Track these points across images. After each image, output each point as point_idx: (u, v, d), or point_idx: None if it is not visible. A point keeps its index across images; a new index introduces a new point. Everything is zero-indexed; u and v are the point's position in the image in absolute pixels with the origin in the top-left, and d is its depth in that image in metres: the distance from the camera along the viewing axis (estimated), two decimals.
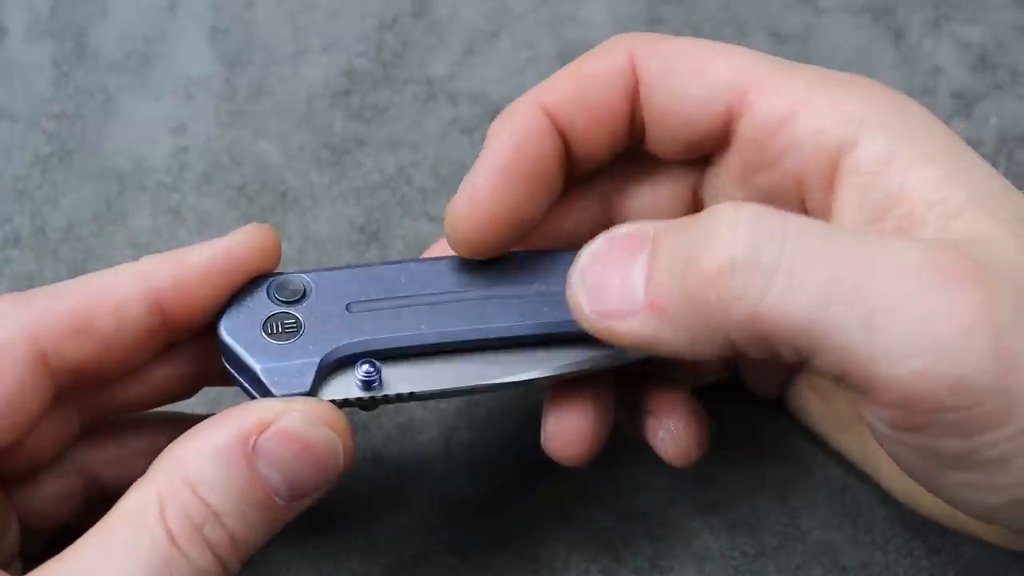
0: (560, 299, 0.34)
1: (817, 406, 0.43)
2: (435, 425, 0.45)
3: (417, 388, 0.35)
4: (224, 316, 0.36)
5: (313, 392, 0.34)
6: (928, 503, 0.39)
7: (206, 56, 0.52)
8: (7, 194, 0.49)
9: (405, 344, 0.36)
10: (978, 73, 0.52)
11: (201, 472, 0.32)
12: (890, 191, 0.33)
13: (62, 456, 0.37)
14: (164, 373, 0.38)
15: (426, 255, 0.41)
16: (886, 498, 0.42)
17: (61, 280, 0.44)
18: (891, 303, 0.29)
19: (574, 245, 0.39)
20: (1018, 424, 0.29)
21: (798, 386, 0.43)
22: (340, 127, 0.51)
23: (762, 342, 0.30)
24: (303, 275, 0.37)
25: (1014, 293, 0.29)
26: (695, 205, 0.39)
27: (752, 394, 0.44)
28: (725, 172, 0.37)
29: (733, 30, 0.53)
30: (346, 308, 0.36)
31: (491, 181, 0.36)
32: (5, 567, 0.35)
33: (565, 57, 0.52)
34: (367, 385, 0.35)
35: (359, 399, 0.35)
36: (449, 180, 0.50)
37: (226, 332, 0.35)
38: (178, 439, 0.33)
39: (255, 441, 0.32)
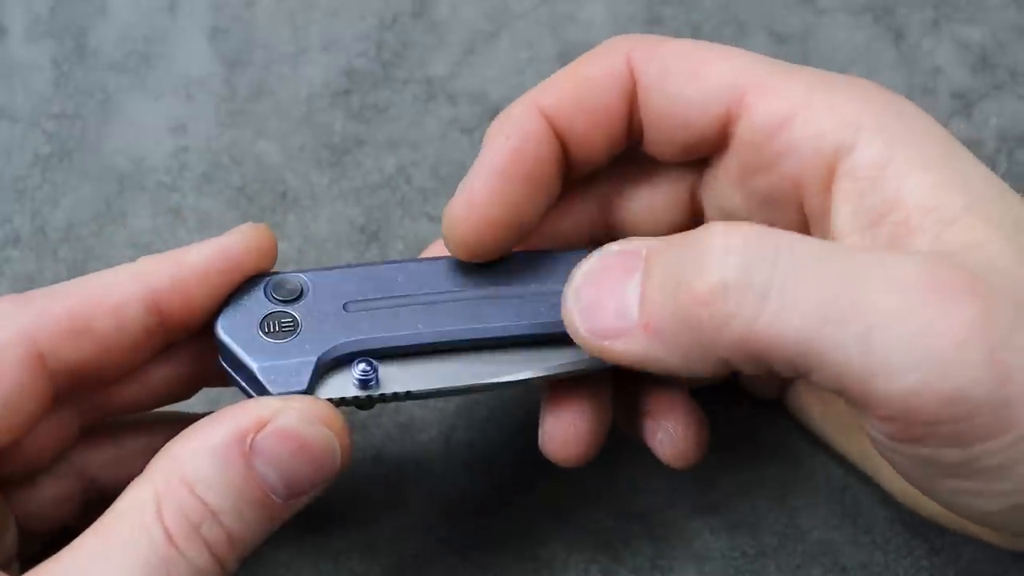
0: (557, 299, 0.34)
1: (816, 407, 0.43)
2: (434, 424, 0.45)
3: (414, 387, 0.35)
4: (221, 315, 0.36)
5: (310, 391, 0.34)
6: (928, 503, 0.38)
7: (206, 56, 0.52)
8: (7, 194, 0.49)
9: (402, 343, 0.36)
10: (978, 73, 0.52)
11: (198, 471, 0.32)
12: (887, 196, 0.33)
13: (60, 458, 0.37)
14: (162, 374, 0.38)
15: (424, 255, 0.41)
16: (886, 498, 0.42)
17: (61, 280, 0.44)
18: (886, 319, 0.29)
19: (572, 246, 0.39)
20: (1018, 432, 0.29)
21: (797, 388, 0.43)
22: (340, 127, 0.51)
23: (757, 360, 0.30)
24: (300, 274, 0.37)
25: (1010, 304, 0.29)
26: (693, 207, 0.39)
27: (751, 395, 0.44)
28: (723, 174, 0.37)
29: (733, 30, 0.53)
30: (343, 307, 0.36)
31: (488, 184, 0.36)
32: (3, 569, 0.35)
33: (565, 57, 0.52)
34: (364, 384, 0.35)
35: (356, 398, 0.35)
36: (449, 180, 0.50)
37: (223, 331, 0.35)
38: (175, 438, 0.33)
39: (252, 439, 0.32)
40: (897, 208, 0.32)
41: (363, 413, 0.45)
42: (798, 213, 0.36)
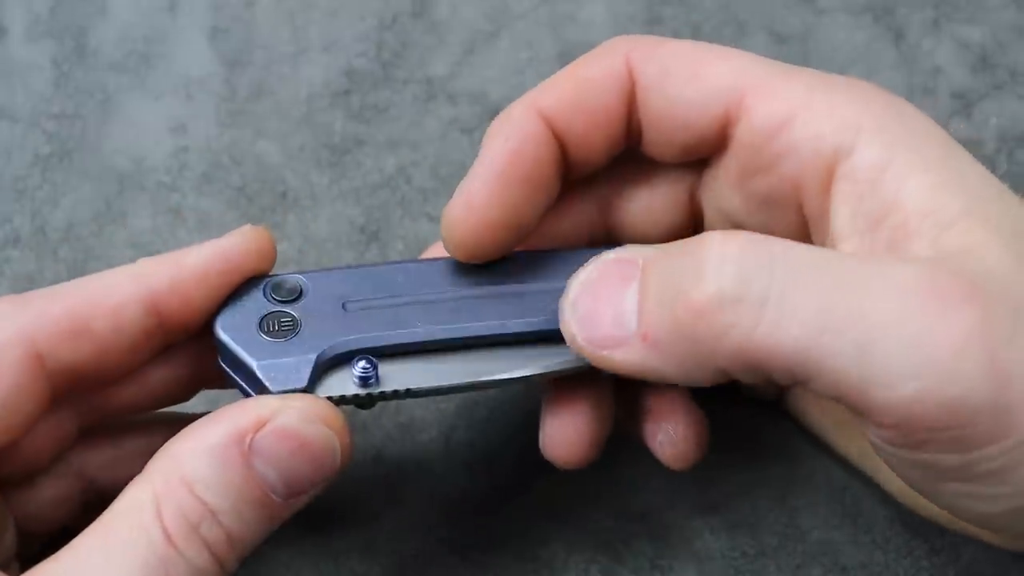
0: (556, 297, 0.34)
1: (816, 408, 0.43)
2: (435, 424, 0.45)
3: (414, 385, 0.35)
4: (220, 315, 0.36)
5: (310, 388, 0.34)
6: (928, 504, 0.38)
7: (206, 56, 0.52)
8: (7, 194, 0.49)
9: (402, 341, 0.36)
10: (978, 73, 0.52)
11: (197, 470, 0.32)
12: (885, 199, 0.32)
13: (59, 459, 0.37)
14: (161, 375, 0.38)
15: (424, 257, 0.41)
16: (886, 498, 0.42)
17: (61, 280, 0.44)
18: (884, 327, 0.29)
19: (571, 247, 0.39)
20: (1019, 436, 0.29)
21: (796, 389, 0.43)
22: (340, 127, 0.51)
23: (755, 370, 0.30)
24: (299, 275, 0.37)
25: (1008, 310, 0.29)
26: (692, 208, 0.39)
27: (751, 395, 0.44)
28: (722, 175, 0.37)
29: (733, 30, 0.53)
30: (342, 307, 0.36)
31: (487, 186, 0.36)
32: (3, 569, 0.34)
33: (565, 57, 0.52)
34: (364, 381, 0.35)
35: (356, 396, 0.35)
36: (449, 180, 0.50)
37: (222, 330, 0.35)
38: (174, 437, 0.33)
39: (251, 439, 0.32)
40: (895, 211, 0.32)
41: (363, 413, 0.45)
42: (797, 215, 0.36)
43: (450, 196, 0.37)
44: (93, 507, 0.36)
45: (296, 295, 0.36)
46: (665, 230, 0.39)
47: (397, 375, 0.35)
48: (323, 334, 0.35)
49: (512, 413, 0.45)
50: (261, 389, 0.34)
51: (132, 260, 0.36)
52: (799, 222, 0.36)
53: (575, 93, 0.37)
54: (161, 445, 0.33)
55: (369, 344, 0.35)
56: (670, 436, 0.38)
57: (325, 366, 0.35)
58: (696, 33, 0.53)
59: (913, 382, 0.29)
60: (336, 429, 0.33)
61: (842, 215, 0.33)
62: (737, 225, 0.38)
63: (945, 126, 0.35)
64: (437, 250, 0.40)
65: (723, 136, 0.36)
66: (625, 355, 0.32)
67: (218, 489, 0.32)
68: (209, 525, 0.31)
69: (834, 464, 0.44)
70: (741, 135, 0.36)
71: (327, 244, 0.48)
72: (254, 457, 0.32)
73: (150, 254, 0.44)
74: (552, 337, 0.35)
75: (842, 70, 0.52)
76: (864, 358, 0.29)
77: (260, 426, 0.32)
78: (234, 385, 0.36)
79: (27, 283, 0.47)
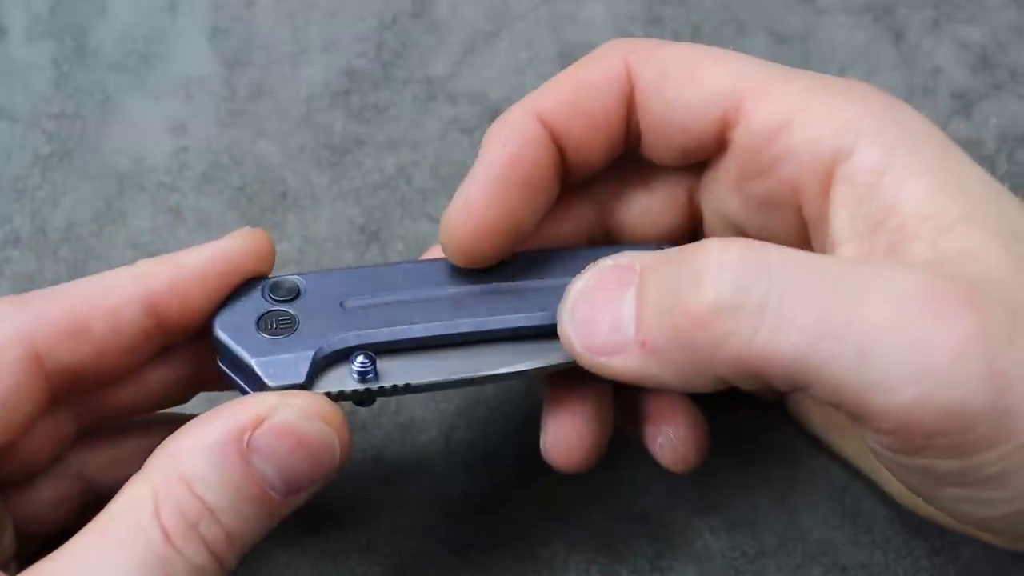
0: (555, 293, 0.34)
1: (816, 409, 0.43)
2: (435, 424, 0.45)
3: (413, 380, 0.35)
4: (218, 315, 0.36)
5: (308, 385, 0.34)
6: (927, 504, 0.39)
7: (206, 56, 0.52)
8: (7, 194, 0.49)
9: (400, 337, 0.36)
10: (978, 73, 0.52)
11: (196, 468, 0.32)
12: (884, 202, 0.32)
13: (58, 460, 0.37)
14: (160, 376, 0.38)
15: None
16: (886, 498, 0.42)
17: (61, 280, 0.44)
18: (883, 333, 0.29)
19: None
20: (1018, 441, 0.29)
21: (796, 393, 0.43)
22: (340, 127, 0.51)
23: (754, 377, 0.30)
24: (297, 276, 0.37)
25: (1007, 314, 0.29)
26: (691, 210, 0.39)
27: (751, 396, 0.44)
28: (721, 178, 0.37)
29: (733, 30, 0.53)
30: (340, 305, 0.36)
31: (486, 190, 0.36)
32: (2, 569, 0.34)
33: (565, 57, 0.52)
34: (363, 376, 0.35)
35: (355, 391, 0.35)
36: (449, 180, 0.50)
37: (220, 328, 0.35)
38: (173, 435, 0.33)
39: (250, 436, 0.32)
40: (894, 214, 0.32)
41: (363, 413, 0.45)
42: (796, 217, 0.36)
43: (450, 196, 0.37)
44: (92, 508, 0.36)
45: (294, 295, 0.36)
46: (664, 233, 0.39)
47: (396, 370, 0.35)
48: (321, 331, 0.35)
49: (512, 413, 0.45)
50: (259, 385, 0.34)
51: (132, 260, 0.36)
52: (798, 225, 0.36)
53: (574, 96, 0.37)
54: None
55: (367, 340, 0.35)
56: (670, 439, 0.38)
57: (324, 363, 0.35)
58: (696, 33, 0.53)
59: (912, 387, 0.28)
60: (335, 426, 0.33)
61: (841, 218, 0.33)
62: (736, 227, 0.38)
63: (945, 126, 0.35)
64: (437, 252, 0.40)
65: (722, 139, 0.36)
66: (623, 362, 0.32)
67: (217, 487, 0.32)
68: (208, 523, 0.31)
69: (834, 464, 0.44)
70: (740, 138, 0.36)
71: (327, 244, 0.48)
72: (253, 455, 0.32)
73: (150, 254, 0.44)
74: (551, 332, 0.35)
75: (842, 70, 0.52)
76: (863, 364, 0.29)
77: (259, 423, 0.32)
78: (233, 386, 0.36)
79: (27, 283, 0.47)
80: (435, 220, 0.49)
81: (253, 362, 0.35)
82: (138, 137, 0.51)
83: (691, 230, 0.40)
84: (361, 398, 0.35)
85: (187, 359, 0.38)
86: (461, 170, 0.48)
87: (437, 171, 0.50)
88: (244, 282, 0.36)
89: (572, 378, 0.37)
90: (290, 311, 0.36)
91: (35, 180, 0.50)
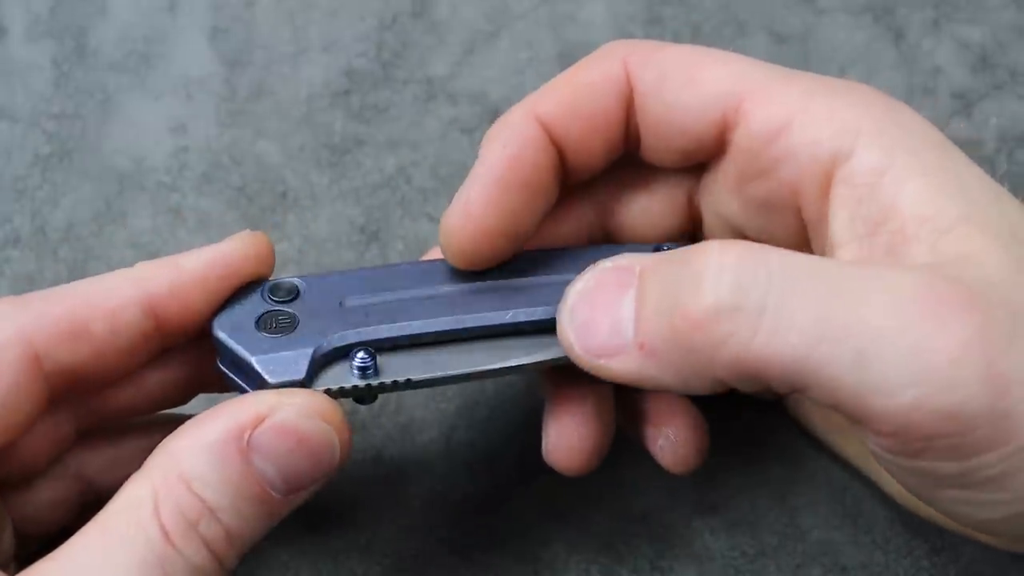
0: (554, 289, 0.35)
1: (816, 410, 0.43)
2: (435, 424, 0.45)
3: (413, 375, 0.35)
4: (218, 316, 0.36)
5: (308, 383, 0.34)
6: (927, 505, 0.39)
7: (206, 56, 0.52)
8: (7, 194, 0.49)
9: (400, 334, 0.36)
10: (978, 73, 0.52)
11: (195, 467, 0.32)
12: (883, 204, 0.32)
13: (57, 461, 0.37)
14: (159, 378, 0.38)
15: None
16: (887, 498, 0.42)
17: (61, 280, 0.44)
18: (883, 335, 0.29)
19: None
20: (1018, 443, 0.29)
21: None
22: (340, 127, 0.51)
23: (753, 379, 0.30)
24: (297, 278, 0.37)
25: (1007, 316, 0.29)
26: (690, 212, 0.39)
27: (751, 397, 0.44)
28: (721, 179, 0.37)
29: (733, 30, 0.53)
30: (340, 305, 0.36)
31: (485, 192, 0.36)
32: (1, 570, 0.35)
33: (565, 57, 0.52)
34: (363, 372, 0.35)
35: (355, 387, 0.35)
36: (449, 180, 0.50)
37: (219, 328, 0.35)
38: (172, 434, 0.32)
39: (250, 435, 0.32)
40: (893, 216, 0.32)
41: (363, 413, 0.45)
42: (796, 219, 0.36)
43: (450, 196, 0.37)
44: (91, 508, 0.36)
45: (294, 295, 0.36)
46: (664, 234, 0.39)
47: (396, 367, 0.35)
48: (321, 328, 0.35)
49: (513, 413, 0.45)
50: (259, 383, 0.34)
51: (132, 260, 0.36)
52: (798, 226, 0.36)
53: (573, 98, 0.37)
54: None
55: (367, 337, 0.35)
56: (670, 441, 0.38)
57: (323, 360, 0.35)
58: (696, 33, 0.53)
59: (911, 390, 0.28)
60: (335, 425, 0.33)
61: (840, 219, 0.33)
62: (736, 229, 0.38)
63: (945, 126, 0.34)
64: (437, 253, 0.40)
65: (721, 141, 0.36)
66: (622, 364, 0.32)
67: (216, 486, 0.32)
68: (208, 522, 0.31)
69: (834, 464, 0.44)
70: (739, 140, 0.36)
71: (327, 244, 0.48)
72: (253, 453, 0.32)
73: (150, 254, 0.44)
74: (551, 328, 0.35)
75: (842, 70, 0.52)
76: (862, 366, 0.29)
77: (258, 422, 0.32)
78: (233, 387, 0.36)
79: (27, 283, 0.47)
80: (435, 220, 0.49)
81: (253, 360, 0.35)
82: (138, 137, 0.51)
83: (690, 232, 0.40)
84: (361, 395, 0.35)
85: (186, 361, 0.38)
86: (461, 170, 0.48)
87: (437, 171, 0.50)
88: (244, 284, 0.36)
89: (573, 380, 0.37)
90: (290, 311, 0.36)
91: (35, 180, 0.49)
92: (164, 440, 0.32)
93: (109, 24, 0.53)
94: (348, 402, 0.36)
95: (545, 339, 0.36)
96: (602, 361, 0.32)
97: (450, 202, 0.36)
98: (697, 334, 0.30)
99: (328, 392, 0.34)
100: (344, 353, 0.35)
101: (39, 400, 0.34)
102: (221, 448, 0.32)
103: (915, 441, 0.29)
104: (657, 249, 0.38)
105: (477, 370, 0.36)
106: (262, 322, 0.35)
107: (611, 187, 0.39)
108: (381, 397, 0.37)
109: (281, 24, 0.53)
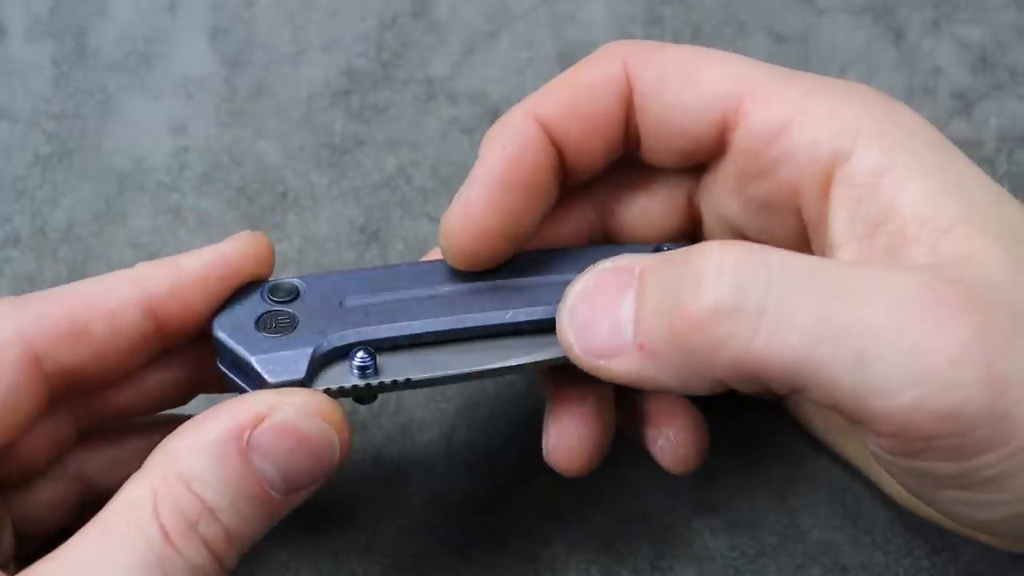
0: (554, 289, 0.35)
1: (816, 410, 0.43)
2: (435, 425, 0.45)
3: (413, 375, 0.35)
4: (217, 316, 0.36)
5: (308, 382, 0.34)
6: (927, 506, 0.39)
7: (206, 56, 0.52)
8: (7, 194, 0.49)
9: (400, 334, 0.36)
10: (978, 73, 0.52)
11: (195, 467, 0.31)
12: (883, 204, 0.32)
13: (57, 461, 0.37)
14: (159, 379, 0.38)
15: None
16: (887, 499, 0.42)
17: (61, 280, 0.44)
18: (882, 336, 0.29)
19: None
20: (1017, 443, 0.29)
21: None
22: (340, 127, 0.51)
23: (752, 380, 0.30)
24: (296, 279, 0.37)
25: (1006, 317, 0.29)
26: (690, 213, 0.39)
27: (751, 397, 0.44)
28: (721, 180, 0.37)
29: (733, 30, 0.53)
30: (340, 305, 0.36)
31: (485, 193, 0.36)
32: (1, 570, 0.35)
33: (565, 57, 0.52)
34: (363, 371, 0.35)
35: (355, 387, 0.35)
36: (449, 180, 0.50)
37: (219, 328, 0.35)
38: (172, 434, 0.32)
39: (250, 435, 0.32)
40: (893, 216, 0.32)
41: (363, 413, 0.45)
42: (796, 219, 0.36)
43: (450, 196, 0.37)
44: (91, 509, 0.36)
45: (293, 296, 0.36)
46: (664, 235, 0.39)
47: (396, 366, 0.35)
48: (321, 328, 0.35)
49: (513, 413, 0.45)
50: (259, 382, 0.34)
51: (132, 260, 0.36)
52: (798, 227, 0.36)
53: (573, 99, 0.37)
54: None
55: (367, 337, 0.35)
56: (671, 442, 0.38)
57: (323, 360, 0.35)
58: (696, 33, 0.53)
59: (911, 391, 0.28)
60: (335, 424, 0.33)
61: (840, 220, 0.33)
62: (735, 229, 0.38)
63: (945, 126, 0.34)
64: (437, 254, 0.40)
65: (721, 141, 0.36)
66: (622, 365, 0.32)
67: (216, 486, 0.32)
68: (207, 522, 0.31)
69: (835, 465, 0.44)
70: (739, 140, 0.36)
71: (327, 244, 0.48)
72: (252, 453, 0.32)
73: (150, 254, 0.44)
74: (551, 327, 0.35)
75: (842, 70, 0.52)
76: (862, 367, 0.29)
77: (258, 422, 0.32)
78: (233, 387, 0.36)
79: (27, 283, 0.47)
80: (435, 220, 0.49)
81: (252, 359, 0.35)
82: (138, 137, 0.51)
83: (690, 232, 0.40)
84: (361, 394, 0.35)
85: (186, 362, 0.38)
86: (461, 170, 0.48)
87: (437, 171, 0.50)
88: (244, 285, 0.36)
89: (574, 381, 0.37)
90: (290, 311, 0.36)
91: (35, 180, 0.49)
92: (164, 440, 0.32)
93: (109, 24, 0.53)
94: (348, 402, 0.36)
95: (545, 339, 0.36)
96: (602, 362, 0.32)
97: (450, 202, 0.36)
98: (697, 335, 0.30)
99: (328, 392, 0.34)
100: (344, 353, 0.35)
101: (39, 401, 0.34)
102: (221, 448, 0.32)
103: (915, 442, 0.29)
104: (657, 249, 0.38)
105: (477, 370, 0.36)
106: (262, 322, 0.35)
107: (611, 188, 0.39)
108: (381, 397, 0.37)
109: (281, 24, 0.53)
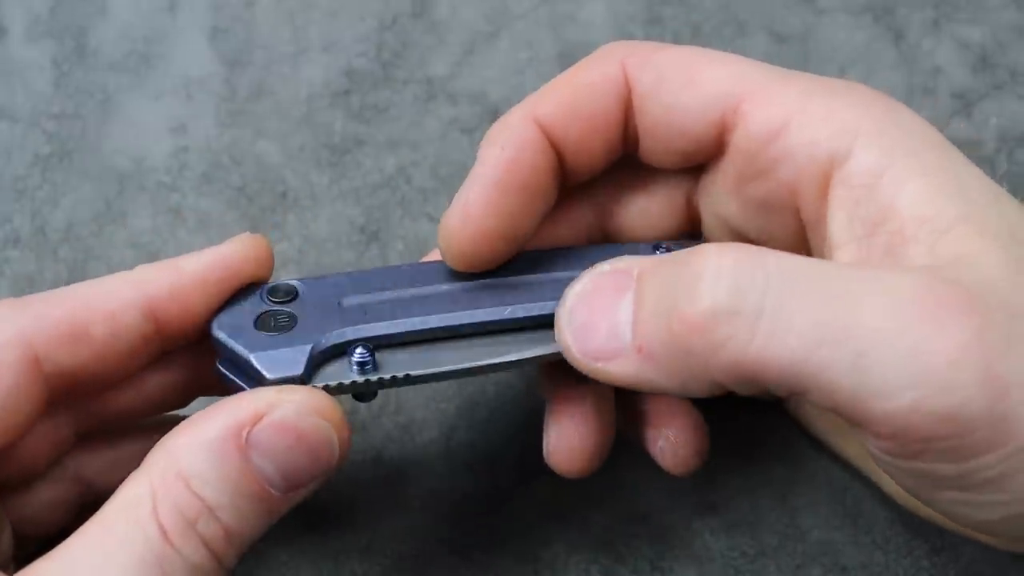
0: (553, 286, 0.35)
1: (816, 411, 0.43)
2: (435, 425, 0.45)
3: (412, 371, 0.35)
4: (217, 316, 0.36)
5: (307, 379, 0.34)
6: (927, 506, 0.39)
7: (206, 56, 0.52)
8: (7, 194, 0.49)
9: (398, 330, 0.36)
10: (978, 73, 0.52)
11: (194, 465, 0.31)
12: (882, 204, 0.32)
13: (56, 463, 0.37)
14: (158, 381, 0.38)
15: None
16: (887, 499, 0.42)
17: (61, 281, 0.44)
18: (881, 338, 0.29)
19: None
20: (1016, 444, 0.29)
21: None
22: (340, 127, 0.51)
23: (751, 382, 0.30)
24: (295, 281, 0.37)
25: (1005, 318, 0.29)
26: (689, 213, 0.39)
27: (751, 398, 0.44)
28: (720, 180, 0.37)
29: (733, 30, 0.53)
30: (338, 304, 0.36)
31: (484, 195, 0.36)
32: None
33: (565, 57, 0.52)
34: (362, 368, 0.35)
35: (354, 383, 0.35)
36: (449, 180, 0.50)
37: (218, 328, 0.35)
38: (171, 432, 0.32)
39: (248, 433, 0.32)
40: (892, 217, 0.32)
41: (363, 412, 0.45)
42: (795, 220, 0.36)
43: (450, 197, 0.37)
44: (90, 510, 0.36)
45: (292, 296, 0.36)
46: (663, 235, 0.39)
47: (395, 363, 0.35)
48: (320, 326, 0.35)
49: (513, 413, 0.45)
50: (258, 380, 0.34)
51: (132, 260, 0.36)
52: (796, 227, 0.36)
53: (572, 100, 0.37)
54: None
55: (366, 334, 0.35)
56: (671, 443, 0.38)
57: (321, 357, 0.35)
58: (696, 33, 0.53)
59: (910, 392, 0.28)
60: (334, 422, 0.33)
61: (839, 220, 0.33)
62: (734, 230, 0.38)
63: (945, 126, 0.34)
64: (436, 256, 0.40)
65: (720, 142, 0.36)
66: (620, 367, 0.32)
67: (215, 484, 0.31)
68: (206, 521, 0.31)
69: (835, 465, 0.44)
70: (738, 141, 0.36)
71: (327, 244, 0.48)
72: (251, 451, 0.32)
73: (150, 254, 0.44)
74: (549, 323, 0.35)
75: (842, 70, 0.52)
76: (861, 369, 0.29)
77: (257, 419, 0.32)
78: (232, 387, 0.36)
79: (27, 283, 0.47)
80: (435, 220, 0.49)
81: (251, 356, 0.35)
82: (138, 137, 0.51)
83: (689, 233, 0.40)
84: (361, 391, 0.35)
85: (186, 364, 0.38)
86: (461, 170, 0.48)
87: (437, 171, 0.50)
88: (243, 287, 0.36)
89: (574, 382, 0.37)
90: (289, 310, 0.36)
91: (35, 180, 0.50)
92: (163, 438, 0.32)
93: (109, 24, 0.53)
94: (348, 402, 0.36)
95: (543, 334, 0.36)
96: (600, 364, 0.32)
97: (450, 203, 0.36)
98: (695, 337, 0.30)
99: (327, 388, 0.34)
100: (343, 350, 0.35)
101: (38, 402, 0.34)
102: (220, 446, 0.32)
103: (914, 443, 0.29)
104: (656, 247, 0.38)
105: (476, 365, 0.36)
106: (261, 321, 0.36)
107: (610, 188, 0.39)
108: (381, 396, 0.37)
109: (281, 24, 0.53)
